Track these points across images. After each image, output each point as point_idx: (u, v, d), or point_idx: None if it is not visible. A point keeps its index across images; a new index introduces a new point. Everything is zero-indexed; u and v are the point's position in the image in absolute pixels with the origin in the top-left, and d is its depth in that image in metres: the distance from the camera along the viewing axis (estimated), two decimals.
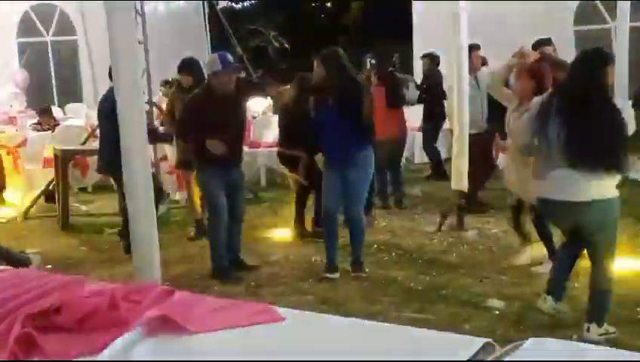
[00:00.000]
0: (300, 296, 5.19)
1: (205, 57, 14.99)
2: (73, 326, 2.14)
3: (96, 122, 9.65)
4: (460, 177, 6.86)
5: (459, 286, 5.36)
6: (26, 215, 8.47)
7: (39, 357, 1.98)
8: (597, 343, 3.92)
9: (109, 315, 2.18)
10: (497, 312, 4.78)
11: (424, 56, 10.44)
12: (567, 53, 6.81)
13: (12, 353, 1.98)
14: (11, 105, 11.53)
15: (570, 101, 4.19)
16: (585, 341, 3.89)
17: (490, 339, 1.92)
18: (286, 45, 16.89)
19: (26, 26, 12.80)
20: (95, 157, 9.48)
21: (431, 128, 10.07)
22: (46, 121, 10.50)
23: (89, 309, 2.18)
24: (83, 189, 9.82)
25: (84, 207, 8.96)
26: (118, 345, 2.00)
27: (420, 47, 13.02)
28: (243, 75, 10.02)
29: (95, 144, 9.19)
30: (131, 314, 2.20)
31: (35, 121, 10.73)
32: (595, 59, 4.30)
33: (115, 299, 2.23)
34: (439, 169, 9.87)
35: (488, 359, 1.81)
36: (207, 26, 13.48)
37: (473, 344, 1.89)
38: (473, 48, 7.31)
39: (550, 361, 1.75)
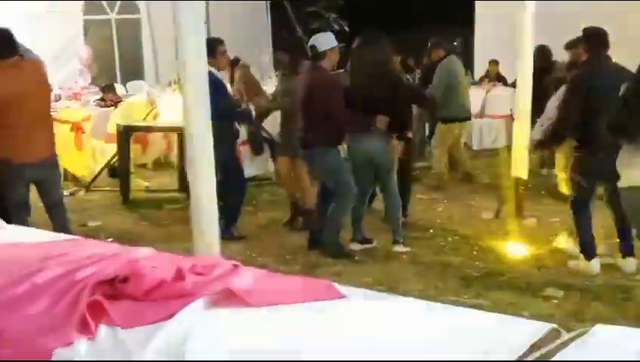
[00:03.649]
0: (357, 278, 5.20)
1: (265, 39, 15.17)
2: (140, 296, 2.19)
3: (157, 99, 9.86)
4: (519, 164, 6.78)
5: (516, 273, 5.30)
6: (88, 189, 8.67)
7: (108, 323, 2.04)
8: None
9: (174, 286, 2.22)
10: (556, 301, 4.73)
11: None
12: None
13: (82, 319, 2.04)
14: (76, 82, 11.76)
15: None
16: None
17: (556, 325, 1.89)
18: (345, 28, 16.80)
19: (91, 4, 13.05)
20: (156, 134, 9.71)
21: None
22: (109, 97, 10.69)
23: (155, 279, 2.23)
24: (143, 165, 9.99)
25: (144, 183, 9.12)
26: (183, 316, 2.05)
27: (481, 34, 12.89)
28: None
29: (158, 120, 9.37)
30: (196, 286, 2.24)
31: (99, 97, 10.93)
32: None
33: (182, 271, 2.28)
34: None
35: (553, 344, 1.79)
36: (269, 7, 13.52)
37: (539, 329, 1.87)
38: None
39: (617, 348, 1.72)
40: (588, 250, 5.32)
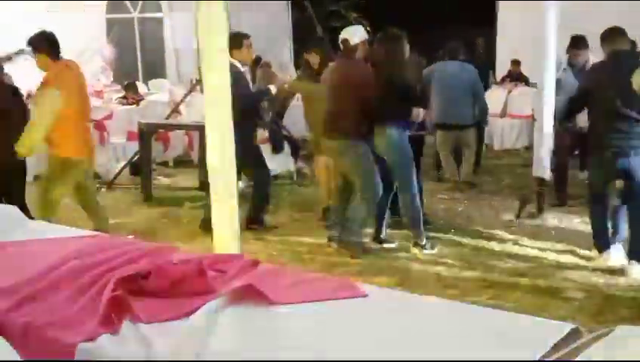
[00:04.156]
0: (375, 277, 5.19)
1: (286, 38, 15.18)
2: (162, 291, 2.21)
3: (179, 98, 9.91)
4: (540, 164, 6.74)
5: (537, 275, 5.26)
6: (110, 186, 8.73)
7: (131, 318, 2.06)
8: None
9: (196, 282, 2.24)
10: (577, 303, 4.69)
11: None
12: None
13: (105, 314, 2.06)
14: (98, 80, 11.85)
15: None
16: None
17: (577, 325, 1.88)
18: (367, 29, 16.76)
19: (114, 3, 13.14)
20: (177, 133, 9.76)
21: None
22: (131, 95, 10.76)
23: (177, 276, 2.25)
24: (164, 163, 10.03)
25: (166, 181, 9.16)
26: (205, 311, 2.06)
27: (503, 34, 12.84)
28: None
29: (179, 119, 9.42)
30: (217, 282, 2.26)
31: (121, 95, 11.01)
32: None
33: (203, 267, 2.30)
34: None
35: (576, 344, 1.78)
36: (290, 6, 13.55)
37: (561, 328, 1.86)
38: None
39: None
40: (597, 239, 5.43)
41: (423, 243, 5.86)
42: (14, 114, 6.06)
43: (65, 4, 10.63)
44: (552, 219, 6.75)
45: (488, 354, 1.75)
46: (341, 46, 5.93)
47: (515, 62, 11.87)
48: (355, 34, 5.88)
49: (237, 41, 6.13)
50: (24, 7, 10.25)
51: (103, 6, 12.72)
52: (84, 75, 5.78)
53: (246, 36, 6.50)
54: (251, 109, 6.44)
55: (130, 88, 10.97)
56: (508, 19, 12.88)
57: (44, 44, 5.33)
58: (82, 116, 5.58)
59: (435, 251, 5.82)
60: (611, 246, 5.40)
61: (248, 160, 6.10)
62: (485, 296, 4.82)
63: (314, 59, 6.84)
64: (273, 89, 6.79)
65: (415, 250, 5.83)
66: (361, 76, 5.70)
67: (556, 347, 1.79)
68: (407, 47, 5.85)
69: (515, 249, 5.93)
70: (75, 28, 11.59)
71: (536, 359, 1.75)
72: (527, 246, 5.96)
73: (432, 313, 2.07)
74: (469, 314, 2.07)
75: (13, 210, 3.48)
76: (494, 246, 6.05)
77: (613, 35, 5.30)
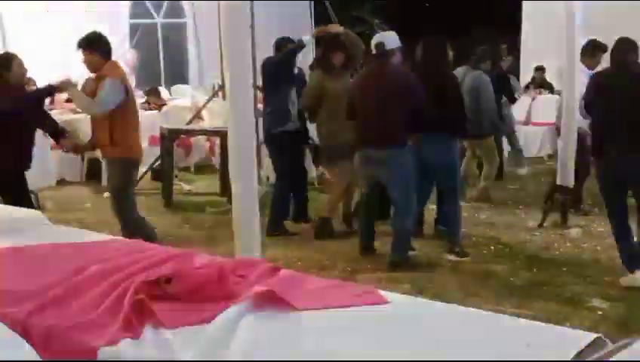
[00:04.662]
0: (396, 285, 5.16)
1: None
2: (183, 296, 2.21)
3: (201, 103, 9.96)
4: (565, 172, 6.69)
5: (560, 283, 5.21)
6: None
7: (152, 323, 2.05)
8: None
9: (217, 287, 2.24)
10: (600, 313, 4.63)
11: None
12: None
13: (127, 318, 2.06)
14: None
15: None
16: None
17: (601, 335, 1.86)
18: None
19: (138, 8, 13.22)
20: (198, 138, 9.79)
21: None
22: (154, 100, 10.82)
23: (199, 280, 2.25)
24: (186, 169, 10.07)
25: (187, 186, 9.19)
26: (226, 317, 2.06)
27: (527, 40, 12.76)
28: None
29: (201, 124, 9.45)
30: (239, 287, 2.26)
31: (143, 100, 11.08)
32: None
33: (224, 272, 2.30)
34: None
35: (599, 354, 1.76)
36: (313, 9, 13.55)
37: (584, 338, 1.84)
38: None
39: None
40: (624, 258, 5.18)
41: (457, 250, 5.82)
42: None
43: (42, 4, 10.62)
44: (576, 227, 6.69)
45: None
46: (374, 50, 5.77)
47: (539, 69, 11.79)
48: (391, 40, 5.77)
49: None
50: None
51: (127, 11, 12.79)
52: None
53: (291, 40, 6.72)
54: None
55: (153, 93, 11.03)
56: (532, 26, 12.80)
57: (97, 44, 5.37)
58: (136, 115, 5.61)
59: (469, 258, 5.78)
60: None
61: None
62: (507, 304, 4.78)
63: (337, 59, 6.66)
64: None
65: (451, 257, 5.76)
66: (409, 84, 5.60)
67: (579, 356, 1.76)
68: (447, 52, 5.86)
69: (538, 257, 5.88)
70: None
71: None
72: (550, 255, 5.91)
73: (454, 321, 2.05)
74: (492, 323, 2.05)
75: (37, 214, 3.50)
76: (517, 254, 6.01)
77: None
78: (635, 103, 4.92)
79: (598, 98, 5.21)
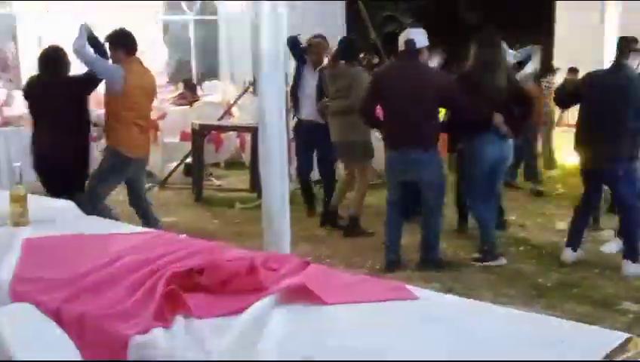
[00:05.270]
0: (425, 284, 5.15)
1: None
2: (214, 288, 2.23)
3: (232, 99, 10.01)
4: None
5: (591, 285, 5.17)
6: (162, 185, 8.85)
7: (183, 313, 2.08)
8: None
9: (248, 280, 2.25)
10: (632, 316, 4.58)
11: None
12: None
13: (159, 307, 2.08)
14: None
15: None
16: None
17: (633, 335, 1.84)
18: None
19: (171, 5, 13.34)
20: (229, 134, 9.84)
21: None
22: (187, 95, 10.91)
23: (230, 273, 2.27)
24: (216, 164, 10.13)
25: (217, 182, 9.26)
26: (256, 309, 2.07)
27: (561, 40, 12.62)
28: (377, 60, 10.03)
29: (232, 120, 9.50)
30: (269, 280, 2.27)
31: (175, 95, 11.17)
32: None
33: (255, 265, 2.31)
34: None
35: (628, 354, 1.75)
36: (345, 9, 13.54)
37: (615, 338, 1.82)
38: None
39: None
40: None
41: (486, 250, 5.75)
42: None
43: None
44: (608, 229, 6.61)
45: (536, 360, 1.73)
46: (402, 47, 5.56)
47: (573, 71, 11.65)
48: (420, 38, 5.58)
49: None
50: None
51: (160, 8, 12.89)
52: (154, 79, 5.96)
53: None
54: None
55: (189, 88, 11.12)
56: (566, 26, 12.66)
57: (122, 40, 5.60)
58: (140, 115, 5.70)
59: (505, 261, 5.73)
60: None
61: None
62: (537, 305, 4.75)
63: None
64: None
65: (499, 262, 5.70)
66: (445, 83, 5.54)
67: (609, 356, 1.75)
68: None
69: (569, 257, 5.82)
70: (133, 30, 11.84)
71: None
72: (581, 256, 5.85)
73: (485, 318, 2.04)
74: (522, 321, 2.04)
75: (70, 205, 3.55)
76: (547, 255, 5.96)
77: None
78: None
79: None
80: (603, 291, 5.04)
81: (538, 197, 8.31)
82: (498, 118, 5.52)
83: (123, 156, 5.63)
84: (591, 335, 1.93)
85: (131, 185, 5.94)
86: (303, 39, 7.16)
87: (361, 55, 7.24)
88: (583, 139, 5.60)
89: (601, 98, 5.40)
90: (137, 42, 5.68)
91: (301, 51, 7.08)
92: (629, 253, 5.47)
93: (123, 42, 5.60)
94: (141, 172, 6.05)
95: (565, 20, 12.60)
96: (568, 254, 5.71)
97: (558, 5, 12.79)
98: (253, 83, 9.45)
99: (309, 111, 7.03)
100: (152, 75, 5.93)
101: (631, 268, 5.40)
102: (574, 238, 5.75)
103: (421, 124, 5.37)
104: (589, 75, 5.69)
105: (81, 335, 2.04)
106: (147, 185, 8.64)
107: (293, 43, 6.99)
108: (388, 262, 5.65)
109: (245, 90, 9.85)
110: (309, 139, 7.06)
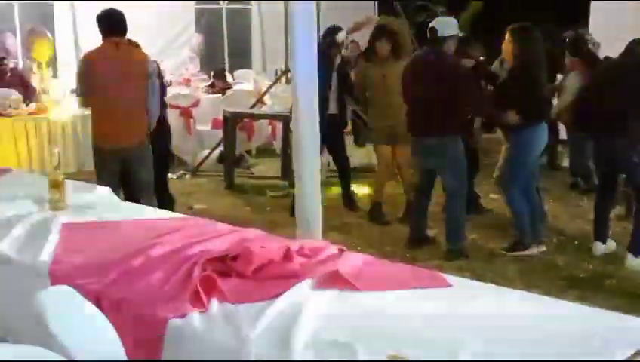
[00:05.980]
0: (456, 273, 5.13)
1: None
2: (249, 274, 2.26)
3: (263, 88, 10.04)
4: None
5: (625, 277, 5.12)
6: (194, 173, 8.92)
7: (219, 298, 2.11)
8: None
9: (283, 266, 2.29)
10: None
11: None
12: None
13: (195, 292, 2.12)
14: (186, 68, 12.11)
15: None
16: None
17: None
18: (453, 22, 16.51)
19: None
20: (260, 122, 9.87)
21: None
22: (219, 83, 10.96)
23: (265, 259, 2.30)
24: (247, 152, 10.16)
25: (250, 168, 9.30)
26: (291, 295, 2.10)
27: (596, 28, 12.46)
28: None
29: (263, 109, 9.53)
30: (303, 267, 2.30)
31: (208, 83, 11.22)
32: None
33: (289, 252, 2.34)
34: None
35: None
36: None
37: None
38: None
39: None
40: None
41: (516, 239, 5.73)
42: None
43: None
44: None
45: (572, 350, 1.73)
46: (428, 35, 5.57)
47: (607, 59, 11.50)
48: (445, 27, 5.54)
49: None
50: None
51: None
52: (147, 63, 5.48)
53: None
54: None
55: (219, 76, 11.16)
56: (600, 16, 12.49)
57: (100, 22, 5.34)
58: (111, 101, 5.23)
59: (543, 249, 5.72)
60: None
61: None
62: (570, 296, 4.71)
63: (382, 48, 6.62)
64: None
65: (530, 252, 5.65)
66: (461, 73, 5.54)
67: None
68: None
69: (599, 250, 5.77)
70: (166, 18, 11.92)
71: (624, 359, 1.72)
72: (615, 248, 5.79)
73: (517, 306, 2.05)
74: (554, 309, 2.04)
75: (108, 192, 3.60)
76: (580, 246, 5.91)
77: None
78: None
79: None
80: (637, 283, 4.99)
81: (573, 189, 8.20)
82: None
83: (93, 146, 5.44)
84: (624, 325, 1.93)
85: (129, 181, 5.46)
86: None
87: None
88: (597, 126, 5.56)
89: (612, 84, 5.40)
90: (120, 24, 5.32)
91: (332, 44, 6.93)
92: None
93: (100, 25, 5.34)
94: (130, 163, 5.37)
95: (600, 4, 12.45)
96: (598, 247, 5.65)
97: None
98: (285, 72, 9.48)
99: (333, 105, 7.00)
100: (134, 57, 5.45)
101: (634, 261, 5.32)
102: (600, 231, 5.70)
103: (437, 111, 5.37)
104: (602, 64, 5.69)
105: (120, 319, 2.08)
106: (179, 173, 8.77)
107: (331, 32, 6.90)
108: (410, 239, 5.89)
109: (277, 79, 9.87)
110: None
